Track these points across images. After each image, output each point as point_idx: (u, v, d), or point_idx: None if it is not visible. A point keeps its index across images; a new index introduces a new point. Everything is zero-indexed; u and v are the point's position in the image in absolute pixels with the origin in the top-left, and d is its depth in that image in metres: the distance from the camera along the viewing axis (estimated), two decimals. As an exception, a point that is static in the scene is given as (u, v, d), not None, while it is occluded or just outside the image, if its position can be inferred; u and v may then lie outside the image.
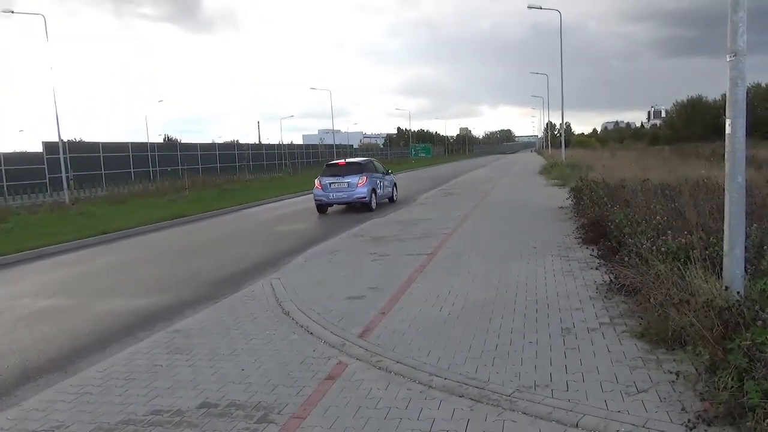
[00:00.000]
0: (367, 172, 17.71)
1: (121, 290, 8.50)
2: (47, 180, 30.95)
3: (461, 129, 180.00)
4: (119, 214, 18.87)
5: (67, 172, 26.76)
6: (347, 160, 19.36)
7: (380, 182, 18.55)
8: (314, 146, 75.87)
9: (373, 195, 17.63)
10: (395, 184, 20.39)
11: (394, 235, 11.32)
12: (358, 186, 17.06)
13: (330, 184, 17.25)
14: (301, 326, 5.73)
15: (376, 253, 9.52)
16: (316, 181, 17.66)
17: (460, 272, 7.63)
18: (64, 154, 26.60)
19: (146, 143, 44.67)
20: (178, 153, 44.68)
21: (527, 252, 8.70)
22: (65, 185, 25.94)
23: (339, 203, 17.59)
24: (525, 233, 10.53)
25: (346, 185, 17.11)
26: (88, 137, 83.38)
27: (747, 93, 4.68)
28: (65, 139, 31.65)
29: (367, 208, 17.22)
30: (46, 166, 31.23)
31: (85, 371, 4.97)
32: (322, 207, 17.54)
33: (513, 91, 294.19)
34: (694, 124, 73.80)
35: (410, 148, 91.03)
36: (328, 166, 18.44)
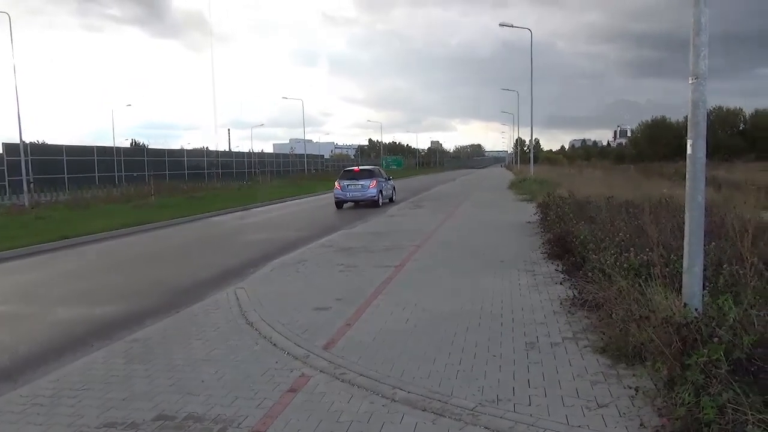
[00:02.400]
0: (376, 177, 22.30)
1: (78, 298, 8.24)
2: (6, 183, 29.98)
3: (432, 142, 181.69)
4: (80, 220, 18.36)
5: (27, 175, 25.98)
6: (360, 167, 23.77)
7: (385, 185, 23.21)
8: (285, 155, 75.59)
9: (380, 195, 22.23)
10: (394, 187, 25.13)
11: (363, 246, 11.28)
12: (370, 187, 21.59)
13: (347, 185, 21.72)
14: (265, 337, 5.63)
15: (344, 264, 9.47)
16: (336, 183, 22.10)
17: (426, 285, 7.63)
18: (25, 156, 25.84)
19: (112, 147, 43.75)
20: (145, 158, 43.87)
21: (494, 266, 8.76)
22: (25, 188, 25.16)
23: (353, 201, 21.97)
24: (492, 247, 10.61)
25: (360, 186, 21.59)
26: (52, 140, 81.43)
27: (709, 116, 4.82)
28: (27, 141, 30.78)
29: (375, 205, 21.57)
30: (5, 168, 30.23)
31: (37, 381, 4.78)
32: (340, 203, 21.94)
33: (484, 106, 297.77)
34: (658, 144, 76.13)
35: (381, 159, 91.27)
36: (345, 171, 23.12)
